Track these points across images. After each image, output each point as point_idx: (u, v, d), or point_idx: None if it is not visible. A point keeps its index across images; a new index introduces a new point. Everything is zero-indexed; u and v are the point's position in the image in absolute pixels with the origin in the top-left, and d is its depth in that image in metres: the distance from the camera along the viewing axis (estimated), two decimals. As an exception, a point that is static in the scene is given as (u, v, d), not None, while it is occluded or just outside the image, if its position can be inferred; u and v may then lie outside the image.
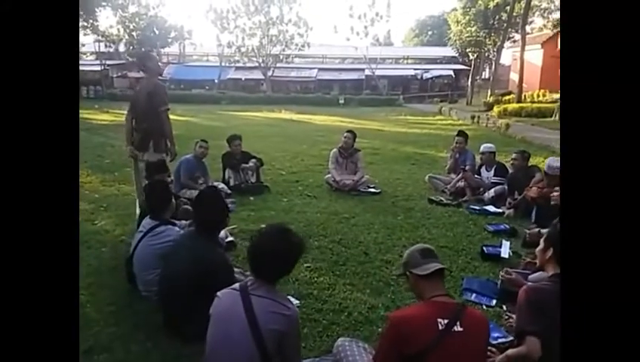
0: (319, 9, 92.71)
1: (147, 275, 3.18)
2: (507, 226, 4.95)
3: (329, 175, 6.86)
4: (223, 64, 35.56)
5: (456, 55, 37.44)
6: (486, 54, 36.14)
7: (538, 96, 23.64)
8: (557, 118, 17.51)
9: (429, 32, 53.08)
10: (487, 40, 30.16)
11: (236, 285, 2.18)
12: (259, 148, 8.80)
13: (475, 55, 30.55)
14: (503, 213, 5.55)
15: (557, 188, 3.97)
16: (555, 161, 4.77)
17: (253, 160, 6.81)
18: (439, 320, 1.91)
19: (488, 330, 2.03)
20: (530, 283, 2.34)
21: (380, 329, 2.93)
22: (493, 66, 31.37)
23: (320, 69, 39.08)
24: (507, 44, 31.06)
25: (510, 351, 2.20)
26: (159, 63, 4.49)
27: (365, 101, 31.40)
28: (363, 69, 37.85)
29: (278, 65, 36.00)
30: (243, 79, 37.43)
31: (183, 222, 3.90)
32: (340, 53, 43.69)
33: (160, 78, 5.32)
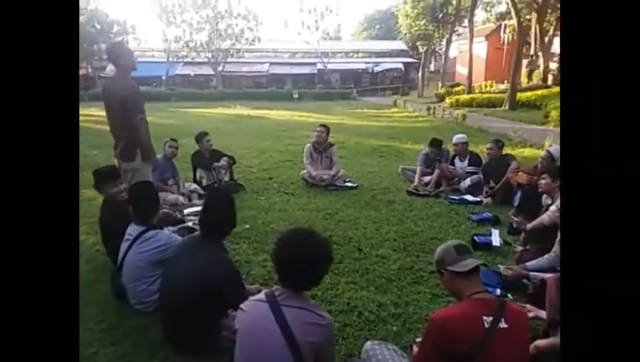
0: (269, 3, 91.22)
1: (139, 286, 2.94)
2: (490, 215, 5.05)
3: (304, 171, 6.73)
4: (170, 60, 34.29)
5: (406, 48, 38.20)
6: (432, 47, 37.16)
7: (486, 87, 24.59)
8: (506, 107, 18.29)
9: (377, 26, 53.85)
10: (435, 33, 30.97)
11: (261, 295, 2.03)
12: (221, 145, 8.47)
13: (425, 48, 31.30)
14: (481, 201, 5.67)
15: (543, 175, 4.06)
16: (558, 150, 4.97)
17: (225, 158, 6.55)
18: (484, 317, 1.86)
19: (528, 323, 2.00)
20: (558, 273, 2.34)
21: (394, 328, 2.87)
22: (443, 59, 32.31)
23: (272, 64, 38.66)
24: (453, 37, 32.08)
25: (540, 342, 2.20)
26: (133, 56, 3.96)
27: (319, 95, 31.39)
28: (315, 63, 37.82)
29: (228, 60, 35.24)
30: (192, 75, 36.30)
31: (170, 227, 3.65)
32: (291, 47, 43.35)
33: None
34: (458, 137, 6.49)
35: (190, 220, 4.38)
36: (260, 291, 2.90)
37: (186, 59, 35.12)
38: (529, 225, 4.04)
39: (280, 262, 1.98)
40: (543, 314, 2.58)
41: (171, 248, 2.84)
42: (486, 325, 1.84)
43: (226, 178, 6.51)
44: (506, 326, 1.84)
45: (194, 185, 6.11)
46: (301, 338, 1.84)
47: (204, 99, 28.12)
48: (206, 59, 34.25)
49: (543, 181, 4.03)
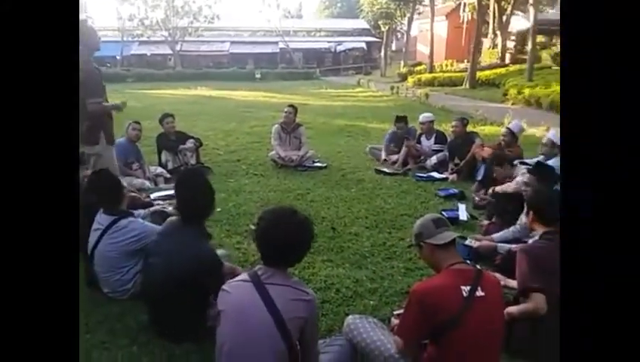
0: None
1: (113, 276, 2.87)
2: (456, 190, 5.21)
3: (273, 152, 6.69)
4: (124, 39, 32.79)
5: (369, 27, 38.14)
6: (394, 26, 37.27)
7: (447, 65, 25.04)
8: (467, 86, 18.73)
9: (339, 4, 53.37)
10: (397, 12, 31.04)
11: (244, 275, 2.03)
12: (185, 127, 8.28)
13: (387, 27, 31.36)
14: (447, 178, 5.84)
15: (511, 149, 4.22)
16: (519, 124, 5.27)
17: (191, 140, 6.40)
18: (462, 287, 1.94)
19: (502, 291, 2.11)
20: (528, 243, 2.47)
21: (371, 302, 2.95)
22: (405, 38, 32.50)
23: (232, 43, 37.73)
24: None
25: (511, 308, 2.32)
26: (97, 37, 3.74)
27: (283, 75, 31.03)
28: (277, 43, 37.20)
29: (186, 38, 34.06)
30: (149, 54, 34.94)
31: (142, 211, 3.56)
32: (252, 26, 42.37)
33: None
34: (424, 116, 6.61)
35: (158, 204, 4.28)
36: (233, 269, 2.92)
37: (141, 38, 33.68)
38: (496, 188, 4.20)
39: (262, 242, 1.98)
40: (511, 282, 2.73)
41: (146, 237, 2.77)
42: (464, 294, 1.92)
43: (193, 161, 6.37)
44: (482, 294, 1.94)
45: (159, 169, 5.96)
46: (287, 314, 1.86)
47: (163, 80, 27.19)
48: (163, 38, 32.98)
49: (510, 150, 4.18)
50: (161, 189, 5.25)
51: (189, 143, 6.32)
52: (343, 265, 3.46)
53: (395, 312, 2.55)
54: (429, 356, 2.01)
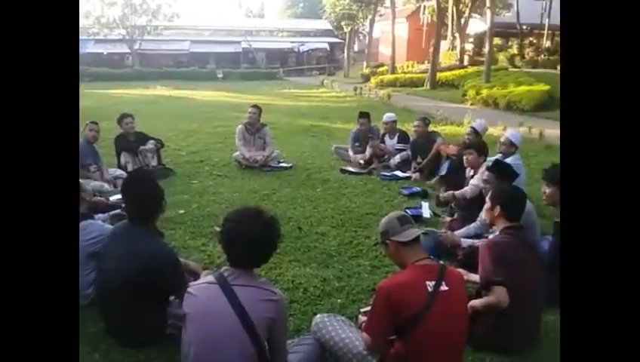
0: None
1: (71, 280, 2.75)
2: (419, 189, 5.32)
3: (237, 152, 6.61)
4: (80, 37, 31.48)
5: (331, 28, 38.34)
6: (356, 28, 37.64)
7: (408, 67, 25.51)
8: (428, 86, 19.16)
9: (301, 5, 53.31)
10: (359, 13, 31.35)
11: (210, 277, 2.00)
12: (144, 128, 8.04)
13: (349, 28, 31.63)
14: (410, 177, 5.95)
15: (469, 150, 4.34)
16: (483, 123, 5.43)
17: (152, 141, 6.22)
18: (427, 282, 1.98)
19: (465, 285, 2.17)
20: (490, 238, 2.55)
21: (339, 301, 2.96)
22: (367, 39, 32.86)
23: (193, 42, 36.93)
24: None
25: (474, 302, 2.38)
26: None
27: (245, 75, 30.66)
28: (239, 42, 36.75)
29: (145, 37, 33.07)
30: (105, 53, 33.66)
31: (101, 215, 3.43)
32: (212, 25, 41.65)
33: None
34: (388, 116, 6.71)
35: (120, 207, 4.14)
36: (196, 269, 2.87)
37: (97, 37, 32.42)
38: (456, 193, 4.33)
39: (229, 242, 1.96)
40: (473, 277, 2.81)
41: (104, 239, 2.67)
42: (429, 289, 1.97)
43: (154, 162, 6.20)
44: (446, 288, 1.98)
45: (119, 171, 5.76)
46: (255, 315, 1.85)
47: (120, 79, 26.30)
48: (120, 37, 31.87)
49: (469, 156, 4.31)
50: (117, 192, 5.07)
51: (150, 144, 6.15)
52: (310, 264, 3.46)
53: (362, 310, 2.57)
54: (396, 351, 2.04)
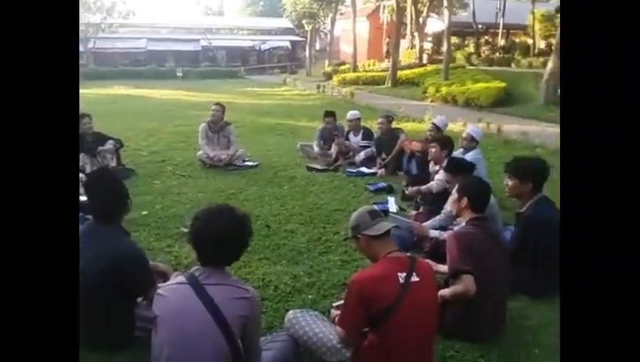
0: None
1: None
2: (384, 184, 5.40)
3: (200, 151, 6.48)
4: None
5: (292, 26, 38.23)
6: (317, 26, 37.72)
7: (369, 65, 25.81)
8: (389, 84, 19.46)
9: (262, 3, 52.87)
10: (320, 12, 31.42)
11: (180, 278, 1.96)
12: (102, 128, 7.77)
13: (310, 26, 31.65)
14: (376, 173, 6.03)
15: (433, 145, 4.45)
16: (443, 119, 5.59)
17: (111, 141, 6.00)
18: (398, 274, 2.02)
19: (435, 275, 2.22)
20: (456, 229, 2.62)
21: (310, 296, 2.97)
22: (329, 38, 32.99)
23: (150, 40, 35.90)
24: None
25: (443, 291, 2.45)
26: None
27: (205, 73, 30.11)
28: (198, 40, 36.06)
29: (99, 35, 31.86)
30: (57, 51, 32.18)
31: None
32: (170, 23, 40.63)
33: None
34: (352, 114, 6.77)
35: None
36: (169, 270, 2.80)
37: (47, 33, 30.94)
38: (422, 188, 4.43)
39: (199, 241, 1.92)
40: (441, 268, 2.88)
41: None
42: (401, 280, 2.00)
43: (113, 163, 5.98)
44: (417, 279, 2.02)
45: (77, 173, 5.53)
46: (229, 314, 1.82)
47: (74, 79, 25.22)
48: (73, 34, 30.55)
49: (432, 149, 4.42)
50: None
51: (109, 145, 5.93)
52: (280, 262, 3.45)
53: (334, 304, 2.59)
54: (370, 343, 2.06)
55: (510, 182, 3.06)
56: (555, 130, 9.67)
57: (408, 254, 2.24)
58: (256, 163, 6.55)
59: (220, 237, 1.88)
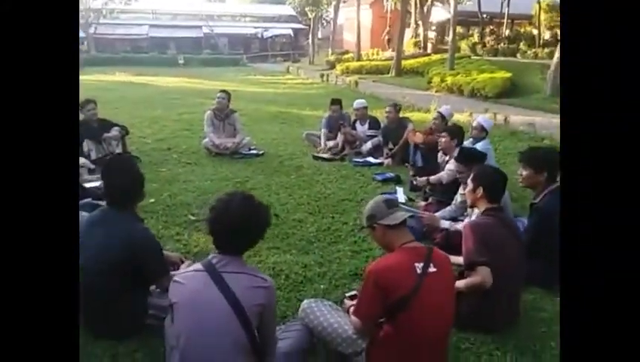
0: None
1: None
2: (392, 174, 5.36)
3: (206, 139, 6.44)
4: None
5: (295, 14, 37.86)
6: (320, 14, 37.34)
7: (372, 54, 25.59)
8: (393, 74, 19.31)
9: (264, -10, 52.30)
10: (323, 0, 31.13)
11: (198, 265, 1.94)
12: (106, 115, 7.71)
13: (314, 14, 31.33)
14: (382, 163, 5.99)
15: (443, 134, 4.41)
16: (449, 109, 5.52)
17: (116, 128, 5.93)
18: (416, 264, 1.99)
19: (452, 266, 2.20)
20: (473, 219, 2.59)
21: (322, 286, 2.96)
22: (332, 26, 32.68)
23: (151, 26, 35.61)
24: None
25: (459, 282, 2.42)
26: None
27: (208, 61, 29.92)
28: (200, 27, 35.76)
29: (100, 21, 31.59)
30: (58, 37, 31.94)
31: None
32: (172, 9, 40.23)
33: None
34: (358, 102, 6.70)
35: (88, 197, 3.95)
36: (182, 259, 2.79)
37: (48, 19, 30.67)
38: (431, 178, 4.40)
39: (218, 229, 1.90)
40: (454, 259, 2.85)
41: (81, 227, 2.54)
42: (418, 271, 1.98)
43: (119, 150, 5.93)
44: (434, 270, 2.00)
45: (82, 160, 5.47)
46: (246, 303, 1.80)
47: (76, 65, 25.07)
48: (74, 19, 30.29)
49: (442, 139, 4.37)
50: (84, 181, 4.84)
51: (114, 131, 5.87)
52: (290, 251, 3.43)
53: (347, 294, 2.57)
54: (386, 334, 2.05)
55: (525, 172, 3.02)
56: (561, 121, 9.64)
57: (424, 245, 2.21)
58: (262, 151, 6.51)
59: (238, 224, 1.86)
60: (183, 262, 2.78)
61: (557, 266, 2.74)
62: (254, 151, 6.45)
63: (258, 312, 1.85)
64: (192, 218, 4.09)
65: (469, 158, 3.49)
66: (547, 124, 8.79)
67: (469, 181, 2.70)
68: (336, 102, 6.83)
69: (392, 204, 2.16)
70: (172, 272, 2.44)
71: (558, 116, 8.00)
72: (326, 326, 2.20)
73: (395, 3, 26.40)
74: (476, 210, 3.29)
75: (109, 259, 2.25)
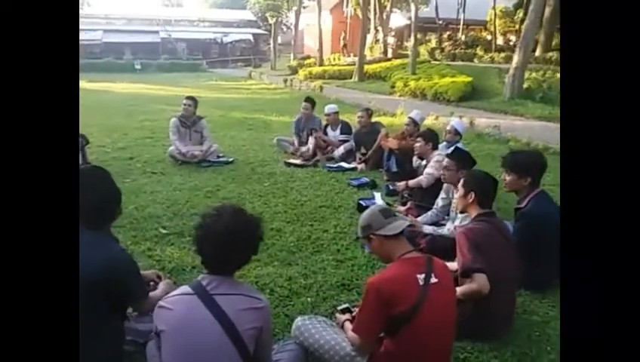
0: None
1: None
2: (367, 179, 5.31)
3: (172, 147, 6.17)
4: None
5: (255, 19, 37.58)
6: (280, 19, 37.25)
7: (334, 59, 25.71)
8: (356, 79, 19.43)
9: (223, -5, 51.69)
10: (284, 4, 31.05)
11: (185, 288, 1.77)
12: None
13: (275, 19, 31.19)
14: (356, 168, 5.93)
15: (418, 139, 4.39)
16: (420, 113, 5.54)
17: (75, 137, 5.60)
18: (417, 276, 1.91)
19: (452, 274, 2.13)
20: (466, 225, 2.53)
21: (309, 299, 2.83)
22: (293, 31, 32.66)
23: (105, 31, 34.36)
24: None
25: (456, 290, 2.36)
26: None
27: (165, 66, 29.20)
28: (157, 32, 34.84)
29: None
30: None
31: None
32: (127, 14, 39.00)
33: None
34: (330, 107, 6.63)
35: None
36: (158, 276, 2.58)
37: None
38: (410, 182, 4.37)
39: (207, 248, 1.74)
40: (450, 266, 2.79)
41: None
42: (420, 282, 1.90)
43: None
44: (436, 280, 1.93)
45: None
46: (242, 326, 1.67)
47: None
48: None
49: (418, 144, 4.35)
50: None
51: (73, 141, 5.53)
52: (272, 263, 3.28)
53: (338, 308, 2.45)
54: (387, 349, 1.95)
55: (508, 177, 3.01)
56: (523, 123, 9.96)
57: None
58: (231, 159, 6.30)
59: (230, 241, 1.71)
60: (160, 279, 2.57)
61: (544, 269, 2.77)
62: (223, 159, 6.24)
63: (254, 335, 1.71)
64: (164, 231, 3.86)
65: (462, 160, 3.46)
66: (510, 126, 9.05)
67: (459, 186, 2.66)
68: (309, 99, 6.74)
69: (388, 214, 2.07)
70: (151, 293, 2.25)
71: (520, 118, 8.30)
72: (322, 343, 2.08)
73: (355, 9, 26.70)
74: (460, 215, 3.28)
75: (85, 285, 2.02)
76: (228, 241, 1.71)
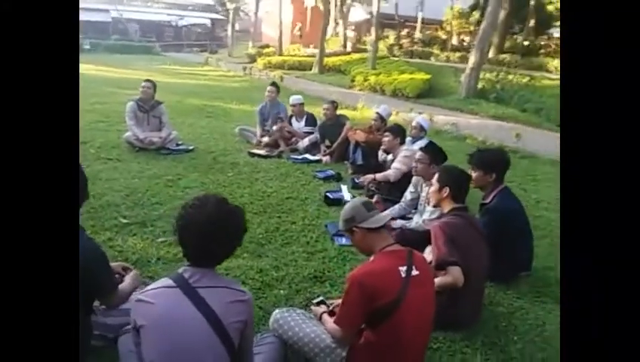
0: None
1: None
2: (333, 172, 5.31)
3: (128, 133, 5.89)
4: None
5: (213, 3, 36.52)
6: (239, 6, 36.45)
7: (294, 50, 25.52)
8: (316, 70, 19.40)
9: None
10: (243, -9, 30.41)
11: (166, 281, 1.69)
12: None
13: (233, 5, 30.45)
14: (321, 160, 5.92)
15: (386, 133, 4.44)
16: (387, 109, 5.59)
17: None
18: (399, 268, 1.93)
19: (430, 266, 2.17)
20: (442, 219, 2.58)
21: (282, 291, 2.79)
22: (254, 18, 32.07)
23: (49, 6, 32.17)
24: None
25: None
26: None
27: (115, 47, 27.83)
28: (108, 10, 33.08)
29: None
30: None
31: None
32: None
33: None
34: (295, 98, 6.57)
35: None
36: (125, 268, 2.45)
37: None
38: (377, 176, 4.41)
39: (189, 239, 1.66)
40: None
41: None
42: (402, 275, 1.92)
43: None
44: (417, 272, 1.95)
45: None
46: (227, 320, 1.61)
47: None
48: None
49: (386, 138, 4.40)
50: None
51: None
52: (242, 255, 3.20)
53: (314, 301, 2.44)
54: (367, 340, 1.97)
55: (474, 174, 3.11)
56: (478, 121, 10.34)
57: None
58: (191, 147, 6.11)
59: (214, 232, 1.65)
60: (125, 271, 2.44)
61: (509, 262, 2.89)
62: (183, 147, 6.04)
63: (239, 329, 1.66)
64: (124, 221, 3.69)
65: (435, 154, 3.52)
66: (467, 124, 9.37)
67: (434, 181, 2.71)
68: (275, 84, 6.68)
69: (371, 207, 2.08)
70: (120, 285, 2.14)
71: (475, 117, 8.56)
72: (302, 336, 2.06)
73: (316, 0, 26.59)
74: (429, 208, 3.36)
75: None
76: (210, 232, 1.65)
